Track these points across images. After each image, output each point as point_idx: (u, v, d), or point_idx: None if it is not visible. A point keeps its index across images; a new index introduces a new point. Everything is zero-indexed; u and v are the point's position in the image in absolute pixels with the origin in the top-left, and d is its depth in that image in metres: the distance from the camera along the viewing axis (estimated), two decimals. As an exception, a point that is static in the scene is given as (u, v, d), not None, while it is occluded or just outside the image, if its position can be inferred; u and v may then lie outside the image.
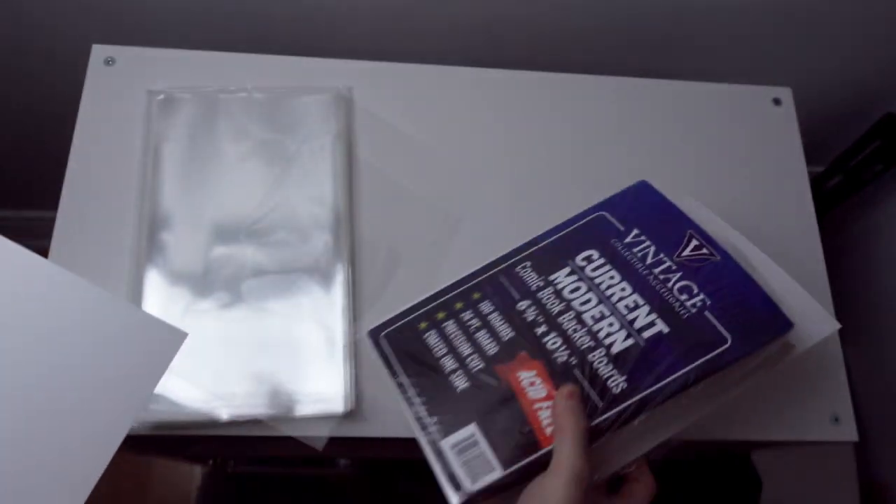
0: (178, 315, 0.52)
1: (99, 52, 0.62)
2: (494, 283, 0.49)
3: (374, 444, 0.54)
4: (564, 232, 0.51)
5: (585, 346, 0.44)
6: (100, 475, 0.34)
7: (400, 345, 0.47)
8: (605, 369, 0.43)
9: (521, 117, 0.65)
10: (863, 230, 1.03)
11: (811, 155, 0.69)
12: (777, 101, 0.69)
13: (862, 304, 1.02)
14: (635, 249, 0.48)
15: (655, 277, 0.47)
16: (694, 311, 0.45)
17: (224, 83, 0.61)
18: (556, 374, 0.44)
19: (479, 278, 0.49)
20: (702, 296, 0.45)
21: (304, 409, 0.50)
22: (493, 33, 0.76)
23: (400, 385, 0.45)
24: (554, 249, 0.50)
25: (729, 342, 0.43)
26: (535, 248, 0.50)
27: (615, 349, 0.44)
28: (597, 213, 0.51)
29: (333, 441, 0.50)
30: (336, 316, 0.53)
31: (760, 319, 0.44)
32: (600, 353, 0.44)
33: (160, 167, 0.57)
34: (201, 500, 0.88)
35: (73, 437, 0.34)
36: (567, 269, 0.48)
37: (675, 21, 0.76)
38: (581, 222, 0.51)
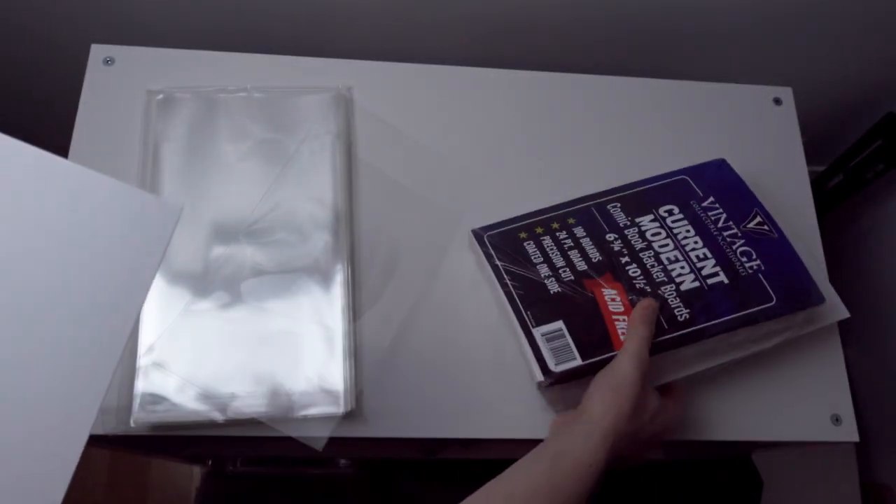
0: (177, 315, 0.52)
1: (98, 51, 0.61)
2: (587, 213, 0.57)
3: (374, 444, 0.54)
4: (650, 186, 0.59)
5: (660, 279, 0.53)
6: (115, 366, 0.30)
7: (501, 244, 0.55)
8: (673, 301, 0.52)
9: (521, 117, 0.65)
10: (864, 230, 1.03)
11: (812, 154, 0.69)
12: (778, 101, 0.69)
13: (863, 303, 1.02)
14: (710, 213, 0.57)
15: (724, 239, 0.55)
16: (751, 272, 0.54)
17: (223, 83, 0.61)
18: (633, 297, 0.52)
19: (574, 207, 0.57)
20: (759, 261, 0.54)
21: (304, 409, 0.50)
22: (492, 33, 0.76)
23: (498, 270, 0.54)
24: (640, 198, 0.57)
25: (773, 301, 0.53)
26: (624, 193, 0.58)
27: (684, 287, 0.53)
28: (680, 177, 0.59)
29: (333, 441, 0.50)
30: (336, 315, 0.53)
31: (800, 290, 0.54)
32: (671, 287, 0.53)
33: (159, 167, 0.57)
34: (201, 499, 0.87)
35: (81, 322, 0.29)
36: (651, 216, 0.56)
37: (676, 21, 0.76)
38: (666, 181, 0.59)
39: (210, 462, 0.90)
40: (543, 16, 0.74)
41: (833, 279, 0.62)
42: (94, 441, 0.51)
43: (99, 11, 0.72)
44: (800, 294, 0.54)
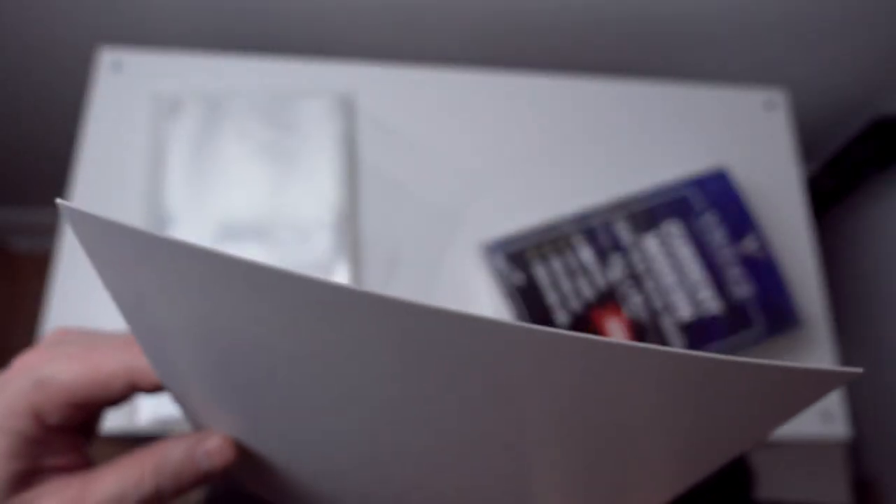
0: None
1: (106, 55, 0.62)
2: (593, 231, 0.57)
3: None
4: (653, 199, 0.60)
5: (659, 309, 0.55)
6: None
7: (512, 264, 0.56)
8: (671, 332, 0.55)
9: (522, 119, 0.66)
10: (858, 231, 1.04)
11: (806, 155, 0.70)
12: (772, 103, 0.70)
13: (856, 304, 1.03)
14: (710, 233, 0.58)
15: (719, 263, 0.57)
16: (741, 298, 0.56)
17: (229, 86, 0.62)
18: (634, 329, 0.54)
19: (581, 223, 0.58)
20: (748, 287, 0.57)
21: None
22: (495, 36, 0.77)
23: (510, 297, 0.54)
24: (645, 213, 0.59)
25: (758, 330, 0.56)
26: (628, 207, 0.59)
27: (680, 316, 0.55)
28: (683, 189, 0.60)
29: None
30: (339, 315, 0.54)
31: (782, 315, 0.57)
32: (669, 318, 0.55)
33: (165, 169, 0.58)
34: (204, 499, 0.88)
35: None
36: (654, 237, 0.58)
37: (671, 22, 0.77)
38: (669, 194, 0.60)
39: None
40: (542, 19, 0.75)
41: (828, 280, 0.63)
42: (100, 440, 0.52)
43: (106, 14, 0.72)
44: (781, 320, 0.57)
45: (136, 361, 0.25)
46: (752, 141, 0.69)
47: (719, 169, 0.62)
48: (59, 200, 0.18)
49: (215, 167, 0.59)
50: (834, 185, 0.96)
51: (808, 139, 0.69)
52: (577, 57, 0.80)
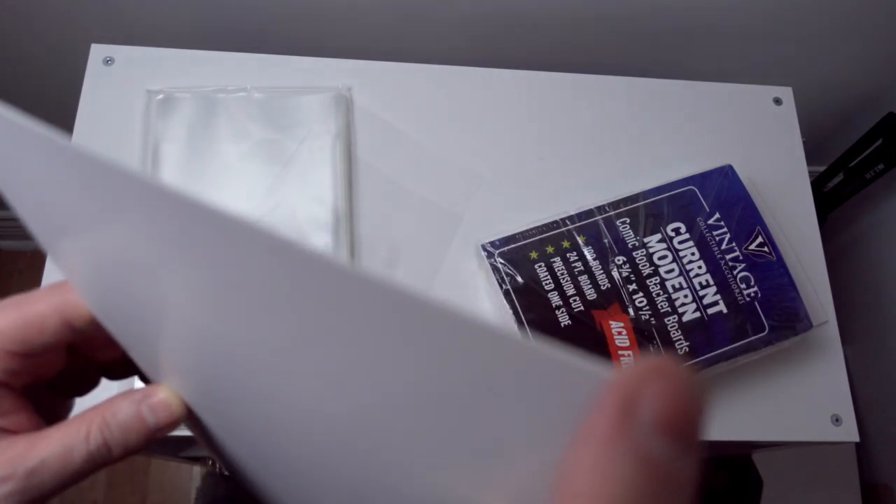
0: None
1: (98, 51, 0.61)
2: (596, 229, 0.56)
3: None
4: (658, 197, 0.58)
5: (664, 310, 0.54)
6: None
7: (512, 265, 0.54)
8: (675, 333, 0.53)
9: (521, 116, 0.65)
10: (864, 230, 1.03)
11: (812, 155, 0.69)
12: (778, 101, 0.69)
13: (863, 304, 1.02)
14: (715, 233, 0.57)
15: (725, 263, 0.56)
16: (748, 299, 0.55)
17: (223, 83, 0.61)
18: (638, 330, 0.53)
19: (583, 221, 0.56)
20: (756, 288, 0.55)
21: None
22: (493, 33, 0.76)
23: (509, 295, 0.53)
24: (648, 212, 0.57)
25: (766, 331, 0.54)
26: (631, 206, 0.57)
27: (685, 318, 0.54)
28: (688, 187, 0.59)
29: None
30: (336, 316, 0.53)
31: (792, 317, 0.55)
32: (674, 319, 0.54)
33: (159, 167, 0.57)
34: (201, 499, 0.87)
35: None
36: (658, 236, 0.56)
37: (676, 21, 0.75)
38: (673, 192, 0.58)
39: (211, 462, 0.90)
40: (543, 15, 0.74)
41: (833, 279, 0.62)
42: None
43: (99, 11, 0.72)
44: (790, 321, 0.55)
45: (66, 297, 0.25)
46: (761, 137, 0.67)
47: (725, 166, 0.60)
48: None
49: (210, 165, 0.58)
50: (841, 181, 0.95)
51: (811, 141, 0.68)
52: (583, 58, 0.79)
